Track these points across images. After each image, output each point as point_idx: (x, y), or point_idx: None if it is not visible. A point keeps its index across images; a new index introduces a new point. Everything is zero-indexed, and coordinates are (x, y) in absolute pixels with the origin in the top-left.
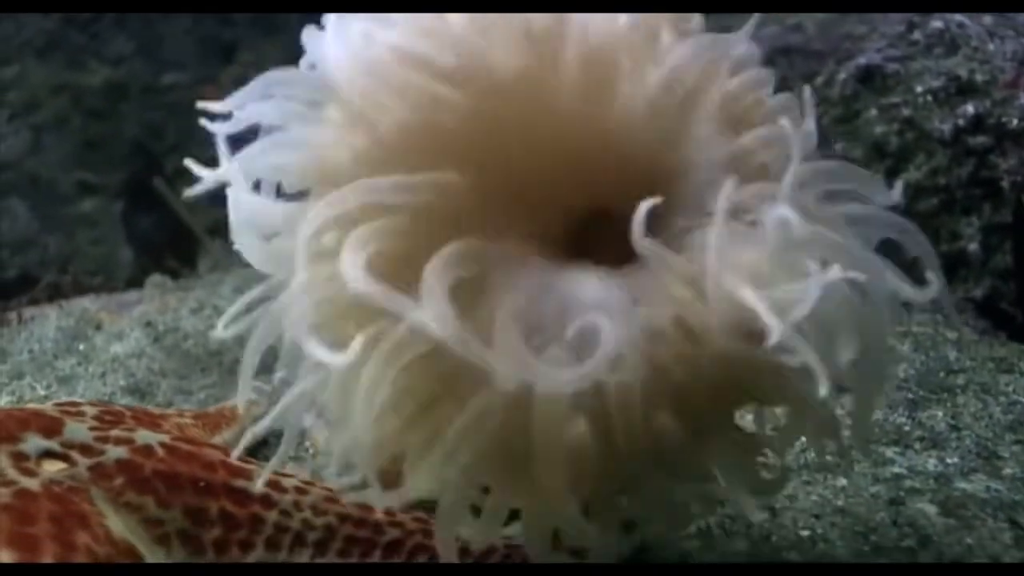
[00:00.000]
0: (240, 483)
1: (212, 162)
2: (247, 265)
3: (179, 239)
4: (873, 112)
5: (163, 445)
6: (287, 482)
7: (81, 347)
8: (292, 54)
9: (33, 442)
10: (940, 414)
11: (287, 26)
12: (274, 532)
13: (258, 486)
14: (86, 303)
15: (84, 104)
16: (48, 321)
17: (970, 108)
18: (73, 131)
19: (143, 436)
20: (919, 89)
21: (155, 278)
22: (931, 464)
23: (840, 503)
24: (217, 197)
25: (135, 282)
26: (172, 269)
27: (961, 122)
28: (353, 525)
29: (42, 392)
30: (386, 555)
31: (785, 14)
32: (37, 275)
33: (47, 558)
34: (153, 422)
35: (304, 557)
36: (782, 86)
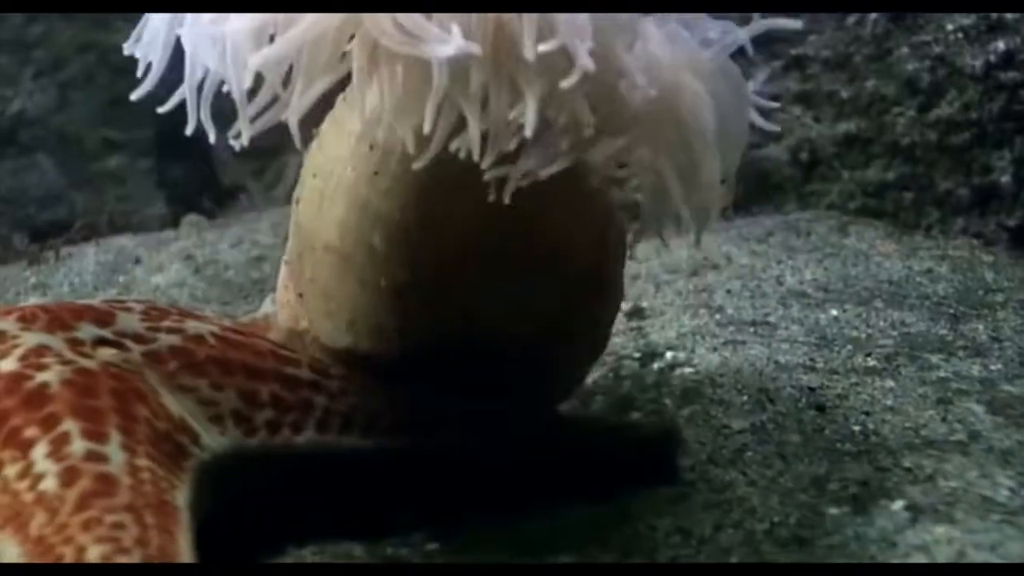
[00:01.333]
0: (290, 370)
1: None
2: (283, 205)
3: (211, 186)
4: (905, 50)
5: (214, 334)
6: (334, 370)
7: (121, 279)
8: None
9: (87, 330)
10: (981, 327)
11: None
12: (323, 415)
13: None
14: (123, 241)
15: (110, 62)
16: (87, 257)
17: (1001, 44)
18: (99, 88)
19: (194, 326)
20: (950, 27)
21: (191, 217)
22: (975, 370)
23: (889, 402)
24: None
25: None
26: (207, 210)
27: (992, 58)
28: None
29: None
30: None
31: None
32: (67, 225)
33: (111, 428)
34: (198, 319)
35: (353, 439)
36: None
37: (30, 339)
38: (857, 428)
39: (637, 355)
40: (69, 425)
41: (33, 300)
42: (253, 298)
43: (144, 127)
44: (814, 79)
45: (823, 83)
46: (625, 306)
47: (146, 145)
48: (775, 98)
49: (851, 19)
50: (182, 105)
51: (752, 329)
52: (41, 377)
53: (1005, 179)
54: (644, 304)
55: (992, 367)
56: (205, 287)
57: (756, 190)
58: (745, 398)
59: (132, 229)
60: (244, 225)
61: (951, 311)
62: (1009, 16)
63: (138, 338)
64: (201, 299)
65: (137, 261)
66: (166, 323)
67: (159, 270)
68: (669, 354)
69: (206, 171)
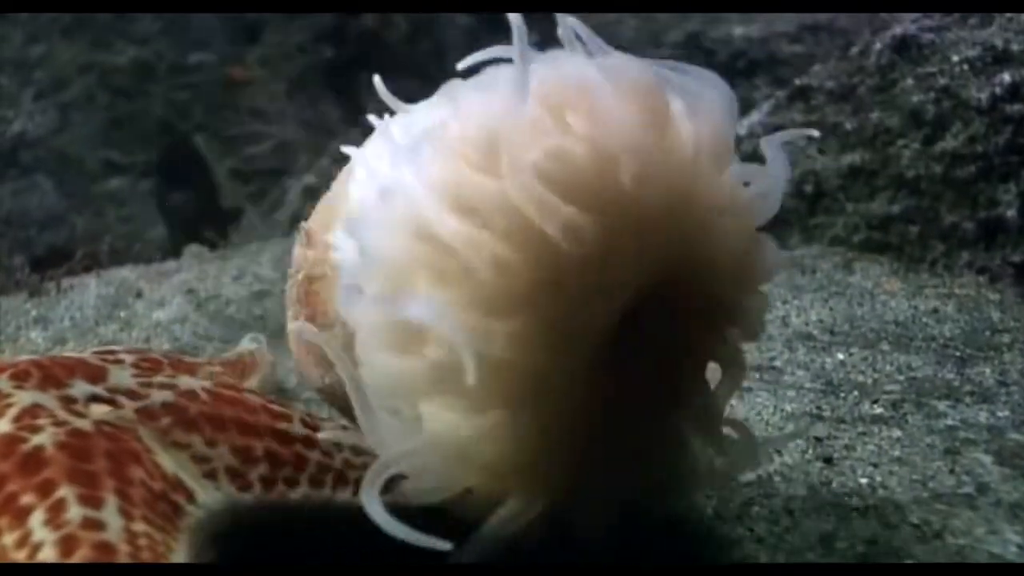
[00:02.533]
0: (282, 425)
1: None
2: (284, 235)
3: (213, 212)
4: (910, 81)
5: (206, 390)
6: (326, 425)
7: (122, 314)
8: (316, 34)
9: (80, 387)
10: (988, 371)
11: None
12: (317, 471)
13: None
14: (124, 272)
15: (111, 83)
16: (87, 290)
17: (1006, 76)
18: (100, 110)
19: (186, 382)
20: (955, 58)
21: (192, 248)
22: (983, 417)
23: (897, 453)
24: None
25: (170, 256)
26: (208, 240)
27: (998, 90)
28: None
29: None
30: None
31: None
32: (65, 252)
33: (107, 493)
34: (189, 369)
35: (347, 494)
36: (810, 62)
37: (24, 398)
38: (864, 481)
39: None
40: (65, 491)
41: (34, 334)
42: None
43: (145, 149)
44: (818, 110)
45: (828, 114)
46: None
47: (147, 167)
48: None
49: (855, 50)
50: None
51: (758, 375)
52: (36, 440)
53: (1011, 213)
54: None
55: (999, 413)
56: (207, 323)
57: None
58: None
59: (133, 256)
60: (246, 257)
61: (957, 354)
62: (1015, 48)
63: (131, 394)
64: (203, 335)
65: (139, 295)
66: (158, 378)
67: (160, 305)
68: None
69: (207, 196)
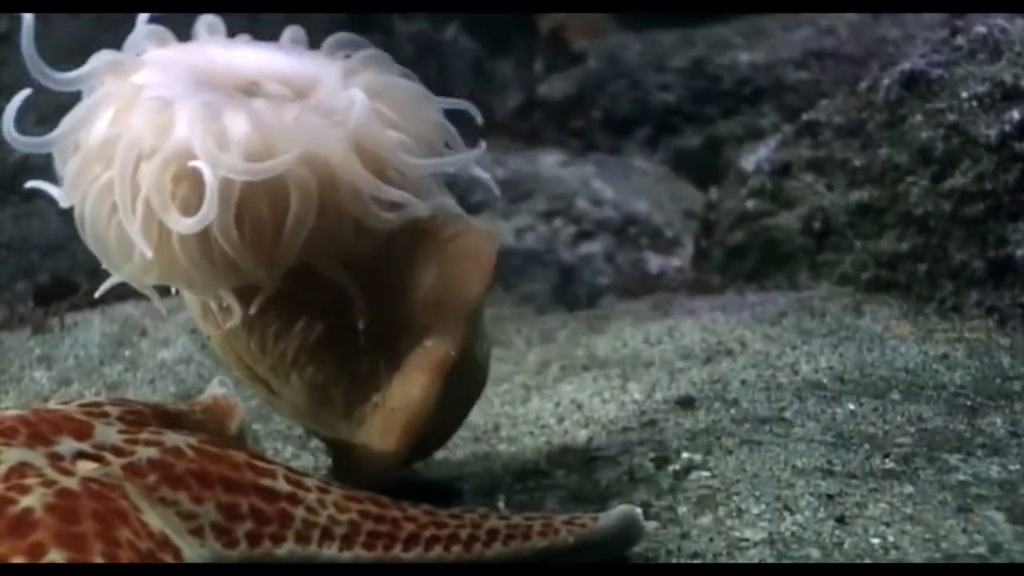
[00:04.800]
0: (267, 482)
1: None
2: None
3: None
4: (918, 118)
5: (191, 447)
6: (309, 482)
7: (127, 353)
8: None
9: (67, 444)
10: (999, 421)
11: (315, 31)
12: (303, 527)
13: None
14: (129, 308)
15: None
16: (92, 327)
17: (1016, 114)
18: None
19: (171, 438)
20: (964, 95)
21: None
22: (994, 471)
23: (909, 510)
24: None
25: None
26: None
27: (1007, 127)
28: (374, 521)
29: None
30: (407, 547)
31: (818, 16)
32: (68, 280)
33: (96, 556)
34: (173, 421)
35: (333, 550)
36: (817, 90)
37: (11, 456)
38: (877, 541)
39: (652, 455)
40: (55, 555)
41: (39, 374)
42: None
43: None
44: (826, 145)
45: (835, 150)
46: (639, 394)
47: None
48: (787, 166)
49: (863, 85)
50: None
51: (768, 427)
52: (25, 502)
53: (1020, 252)
54: (656, 396)
55: (1011, 467)
56: (212, 364)
57: (767, 259)
58: (763, 506)
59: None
60: None
61: (968, 403)
62: None
63: (117, 451)
64: (207, 377)
65: (143, 333)
66: (144, 435)
67: (165, 344)
68: (685, 455)
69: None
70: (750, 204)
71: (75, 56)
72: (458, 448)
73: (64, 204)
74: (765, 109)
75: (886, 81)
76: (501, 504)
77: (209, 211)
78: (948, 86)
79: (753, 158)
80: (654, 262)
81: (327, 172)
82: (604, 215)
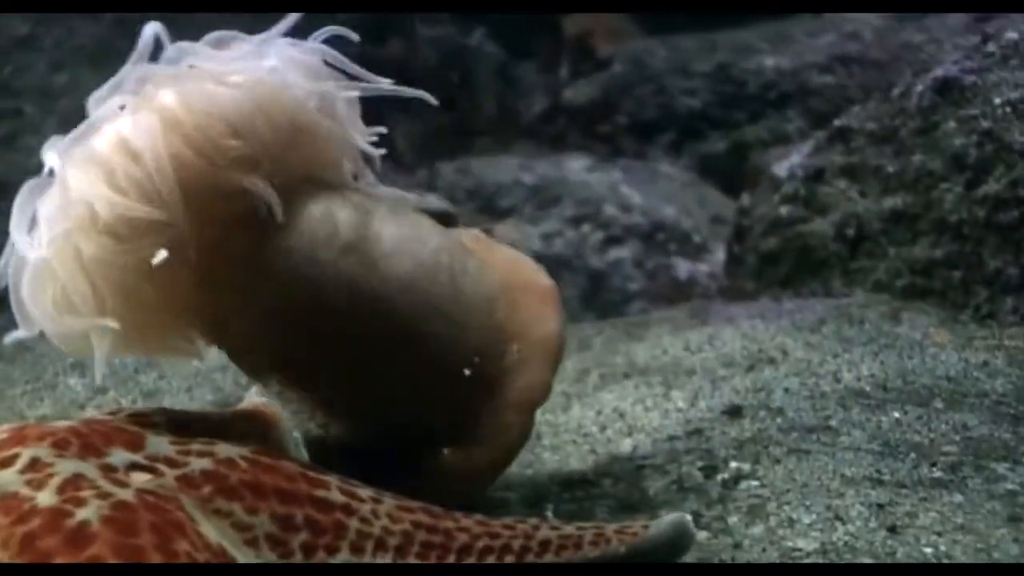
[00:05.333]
0: (321, 493)
1: None
2: None
3: None
4: (952, 124)
5: (244, 457)
6: (362, 492)
7: (163, 360)
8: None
9: (119, 455)
10: None
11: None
12: (357, 538)
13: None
14: None
15: None
16: None
17: None
18: None
19: (223, 449)
20: (997, 101)
21: None
22: None
23: (959, 520)
24: None
25: None
26: None
27: None
28: (427, 531)
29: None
30: (460, 558)
31: (843, 21)
32: None
33: None
34: (218, 430)
35: (386, 561)
36: (843, 95)
37: (65, 467)
38: (929, 551)
39: (700, 464)
40: None
41: (73, 381)
42: None
43: None
44: (859, 152)
45: (868, 156)
46: (683, 402)
47: None
48: (820, 172)
49: (896, 91)
50: None
51: (814, 436)
52: (81, 514)
53: None
54: (701, 404)
55: None
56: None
57: (801, 266)
58: (814, 516)
59: None
60: None
61: (1011, 411)
62: None
63: (170, 462)
64: (245, 385)
65: None
66: (195, 446)
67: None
68: (733, 464)
69: None
70: (783, 210)
71: (97, 60)
72: None
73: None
74: (791, 114)
75: (919, 87)
76: (550, 514)
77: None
78: (981, 92)
79: (786, 164)
80: (683, 268)
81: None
82: (632, 221)
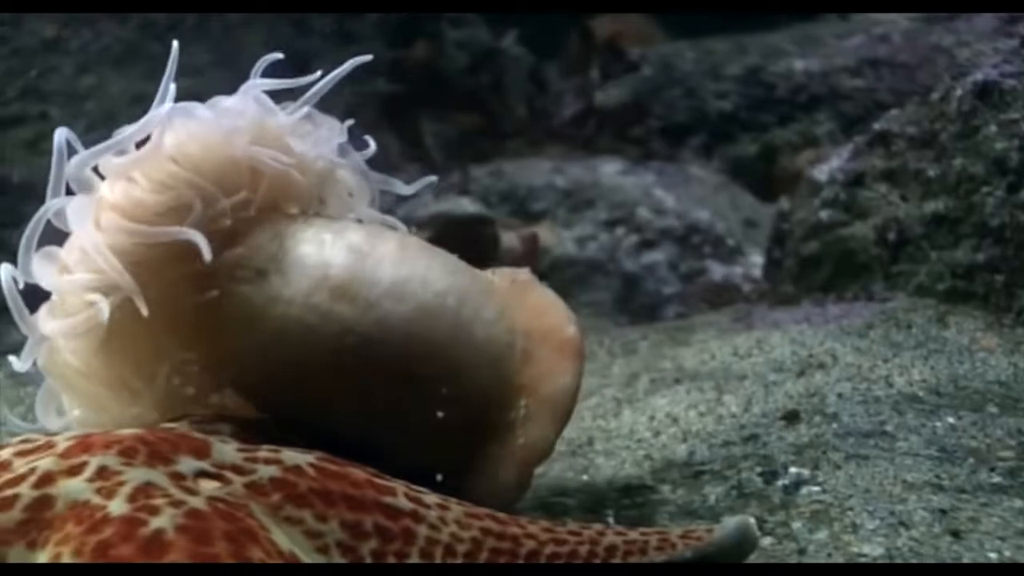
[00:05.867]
0: (389, 500)
1: None
2: None
3: None
4: (992, 128)
5: (311, 465)
6: (428, 499)
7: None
8: (368, 64)
9: (187, 463)
10: None
11: (362, 36)
12: (426, 544)
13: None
14: None
15: None
16: None
17: None
18: None
19: (290, 456)
20: None
21: None
22: None
23: (1021, 525)
24: None
25: None
26: None
27: None
28: (495, 538)
29: None
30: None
31: (871, 24)
32: None
33: None
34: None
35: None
36: (872, 98)
37: (135, 476)
38: (994, 556)
39: (759, 470)
40: None
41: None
42: None
43: None
44: (899, 156)
45: (909, 160)
46: (736, 407)
47: None
48: (860, 176)
49: (935, 95)
50: None
51: (872, 441)
52: (155, 523)
53: None
54: (755, 410)
55: None
56: None
57: (842, 270)
58: (877, 522)
59: None
60: None
61: None
62: None
63: (237, 469)
64: None
65: None
66: (262, 453)
67: None
68: (792, 470)
69: None
70: (824, 214)
71: (123, 63)
72: (554, 462)
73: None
74: (820, 117)
75: (958, 91)
76: (611, 520)
77: None
78: (1021, 96)
79: (826, 168)
80: (717, 271)
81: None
82: (666, 224)
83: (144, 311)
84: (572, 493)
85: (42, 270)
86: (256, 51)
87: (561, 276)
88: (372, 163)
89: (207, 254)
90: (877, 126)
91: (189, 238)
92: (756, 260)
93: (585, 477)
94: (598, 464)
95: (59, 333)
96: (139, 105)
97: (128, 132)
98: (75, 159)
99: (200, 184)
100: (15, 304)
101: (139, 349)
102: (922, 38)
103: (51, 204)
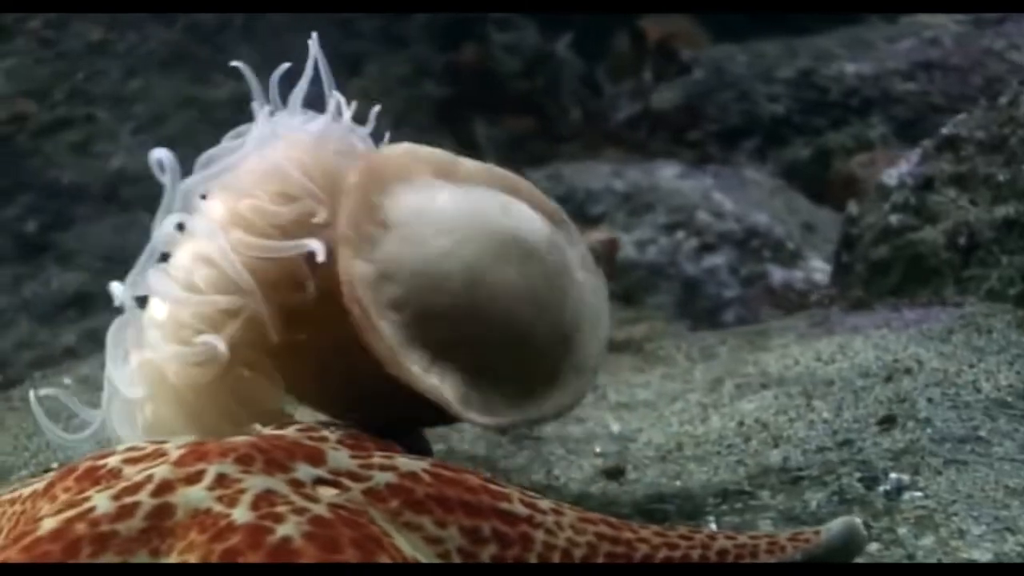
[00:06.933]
0: (505, 505)
1: None
2: None
3: None
4: None
5: (426, 471)
6: (543, 504)
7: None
8: (417, 66)
9: (304, 470)
10: None
11: (411, 39)
12: (543, 549)
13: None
14: None
15: (211, 118)
16: None
17: None
18: (200, 145)
19: (404, 462)
20: None
21: None
22: None
23: None
24: None
25: None
26: None
27: None
28: (610, 543)
29: None
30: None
31: (923, 27)
32: None
33: None
34: (386, 446)
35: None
36: (925, 101)
37: (255, 483)
38: None
39: (858, 475)
40: None
41: None
42: None
43: None
44: (968, 160)
45: (979, 165)
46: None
47: None
48: (930, 181)
49: (1004, 99)
50: None
51: (968, 446)
52: (282, 530)
53: None
54: (846, 415)
55: None
56: None
57: (912, 274)
58: (983, 527)
59: None
60: None
61: None
62: None
63: (353, 476)
64: None
65: None
66: (376, 459)
67: None
68: (893, 475)
69: None
70: (893, 219)
71: (170, 65)
72: (647, 468)
73: None
74: (873, 120)
75: None
76: (713, 526)
77: None
78: None
79: (895, 173)
80: (777, 275)
81: None
82: (726, 227)
83: (274, 336)
84: (669, 499)
85: (164, 287)
86: (303, 53)
87: (623, 280)
88: None
89: (321, 255)
90: (945, 131)
91: (312, 249)
92: (816, 264)
93: (678, 483)
94: (690, 470)
95: (174, 359)
96: (188, 108)
97: (243, 151)
98: (189, 181)
99: (318, 194)
100: (132, 320)
101: (249, 379)
102: (973, 41)
103: (169, 220)
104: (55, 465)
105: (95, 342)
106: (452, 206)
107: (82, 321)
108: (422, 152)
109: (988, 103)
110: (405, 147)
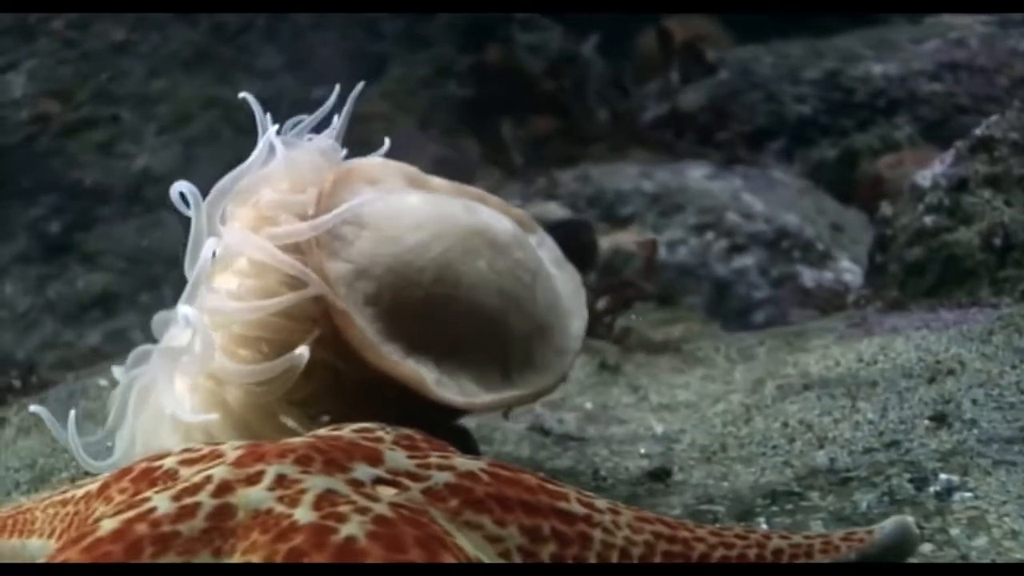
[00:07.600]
0: (563, 505)
1: None
2: None
3: None
4: None
5: (483, 471)
6: (600, 503)
7: None
8: (440, 67)
9: (363, 470)
10: None
11: (435, 40)
12: (602, 548)
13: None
14: None
15: (234, 119)
16: None
17: None
18: (224, 145)
19: (462, 462)
20: None
21: None
22: None
23: None
24: None
25: None
26: None
27: None
28: (667, 542)
29: None
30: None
31: (948, 28)
32: None
33: None
34: (440, 447)
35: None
36: (951, 102)
37: (315, 483)
38: None
39: (908, 476)
40: None
41: None
42: None
43: None
44: (1003, 161)
45: (1013, 166)
46: (873, 414)
47: None
48: (964, 182)
49: None
50: None
51: (1016, 447)
52: (346, 530)
53: None
54: (891, 416)
55: None
56: None
57: (947, 275)
58: None
59: None
60: None
61: None
62: None
63: (412, 476)
64: None
65: None
66: (434, 459)
67: None
68: (942, 476)
69: None
70: (928, 220)
71: (193, 66)
72: (692, 469)
73: None
74: (900, 121)
75: None
76: (764, 526)
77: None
78: None
79: (929, 174)
80: (808, 276)
81: None
82: (756, 228)
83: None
84: (719, 500)
85: (219, 302)
86: (327, 54)
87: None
88: (451, 167)
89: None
90: (978, 132)
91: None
92: (845, 265)
93: (725, 484)
94: (737, 471)
95: (248, 377)
96: (212, 109)
97: (263, 172)
98: (209, 199)
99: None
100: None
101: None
102: (999, 42)
103: (208, 244)
104: None
105: (120, 342)
106: (423, 206)
107: (107, 321)
108: (394, 164)
109: (1021, 104)
110: (379, 159)
